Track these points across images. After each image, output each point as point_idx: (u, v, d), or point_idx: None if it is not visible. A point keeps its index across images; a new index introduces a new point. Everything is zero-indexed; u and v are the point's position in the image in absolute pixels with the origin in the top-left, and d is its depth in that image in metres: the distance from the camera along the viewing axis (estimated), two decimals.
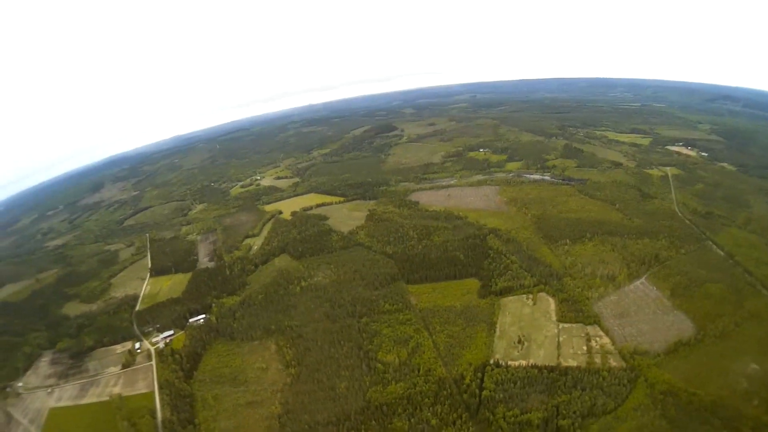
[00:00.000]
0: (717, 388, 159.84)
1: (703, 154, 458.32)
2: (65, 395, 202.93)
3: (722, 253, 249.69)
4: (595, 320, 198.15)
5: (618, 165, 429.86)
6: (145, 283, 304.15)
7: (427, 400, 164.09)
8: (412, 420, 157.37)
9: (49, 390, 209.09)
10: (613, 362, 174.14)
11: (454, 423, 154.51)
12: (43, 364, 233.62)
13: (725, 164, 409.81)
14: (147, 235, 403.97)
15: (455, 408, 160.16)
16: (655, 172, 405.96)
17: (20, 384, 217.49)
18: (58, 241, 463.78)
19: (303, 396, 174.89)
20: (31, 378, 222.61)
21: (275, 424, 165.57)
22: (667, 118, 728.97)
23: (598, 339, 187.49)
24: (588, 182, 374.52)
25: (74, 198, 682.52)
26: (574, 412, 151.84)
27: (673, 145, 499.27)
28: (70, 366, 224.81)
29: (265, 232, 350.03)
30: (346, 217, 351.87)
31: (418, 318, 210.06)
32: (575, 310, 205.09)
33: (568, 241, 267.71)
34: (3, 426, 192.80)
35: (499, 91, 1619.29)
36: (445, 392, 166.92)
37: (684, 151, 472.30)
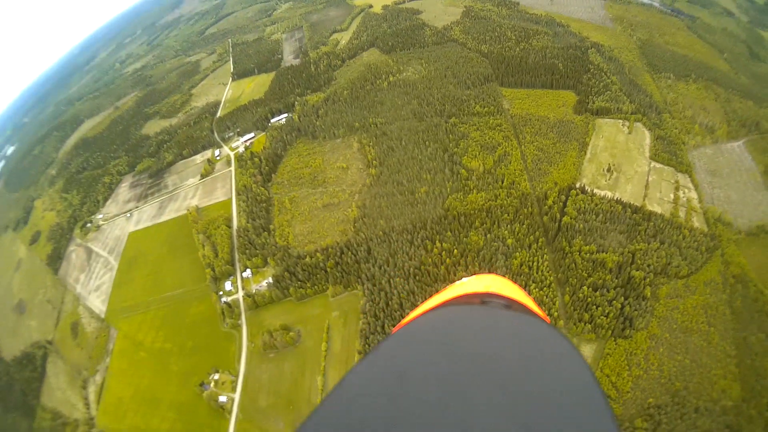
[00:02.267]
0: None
1: None
2: (144, 217, 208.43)
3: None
4: (688, 169, 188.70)
5: (730, 14, 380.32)
6: (227, 87, 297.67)
7: (506, 216, 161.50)
8: (489, 236, 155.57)
9: (128, 215, 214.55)
10: (696, 223, 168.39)
11: (529, 246, 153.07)
12: (123, 190, 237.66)
13: None
14: (229, 40, 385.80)
15: (533, 230, 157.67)
16: (767, 35, 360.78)
17: (100, 216, 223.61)
18: (137, 65, 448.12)
19: (381, 199, 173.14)
20: (111, 207, 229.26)
21: (350, 229, 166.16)
22: None
23: (686, 190, 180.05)
24: (698, 20, 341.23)
25: (153, 20, 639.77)
26: (649, 266, 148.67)
27: None
28: (150, 186, 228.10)
29: (354, 27, 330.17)
30: (441, 12, 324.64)
31: (508, 125, 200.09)
32: (670, 152, 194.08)
33: (672, 75, 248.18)
34: (84, 263, 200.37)
35: None
36: (525, 210, 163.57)
37: None
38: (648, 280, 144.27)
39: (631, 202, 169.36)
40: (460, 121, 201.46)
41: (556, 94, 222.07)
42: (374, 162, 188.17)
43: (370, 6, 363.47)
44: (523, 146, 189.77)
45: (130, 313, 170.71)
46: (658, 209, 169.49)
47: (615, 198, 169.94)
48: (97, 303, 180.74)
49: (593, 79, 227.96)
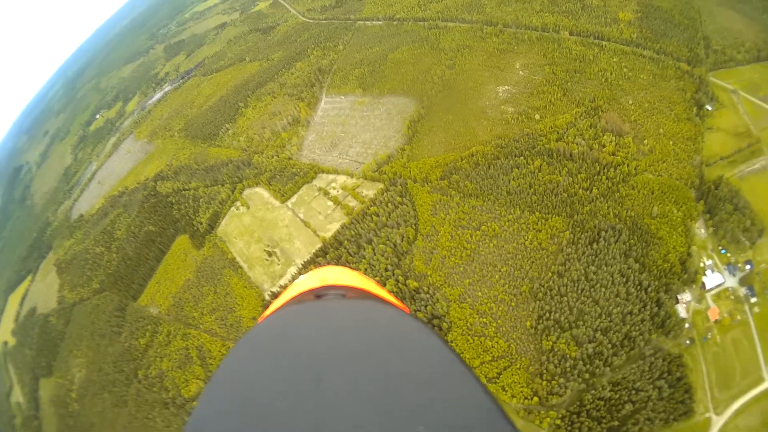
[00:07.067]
0: (490, 125, 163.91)
1: None
2: None
3: (379, 23, 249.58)
4: (315, 170, 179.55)
5: (223, 24, 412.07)
6: None
7: None
8: None
9: None
10: (369, 192, 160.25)
11: None
12: None
13: None
14: None
15: None
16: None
17: None
18: None
19: None
20: None
21: None
22: None
23: (333, 185, 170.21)
24: (205, 61, 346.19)
25: None
26: (386, 269, 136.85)
27: None
28: None
29: None
30: (45, 292, 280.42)
31: (173, 324, 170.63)
32: (289, 178, 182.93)
33: (227, 125, 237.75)
34: None
35: None
36: None
37: None
38: (401, 271, 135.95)
39: (315, 250, 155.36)
40: (150, 361, 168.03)
41: (172, 255, 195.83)
42: None
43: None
44: (201, 325, 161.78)
45: None
46: (335, 226, 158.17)
47: (300, 266, 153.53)
48: None
49: (181, 206, 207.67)
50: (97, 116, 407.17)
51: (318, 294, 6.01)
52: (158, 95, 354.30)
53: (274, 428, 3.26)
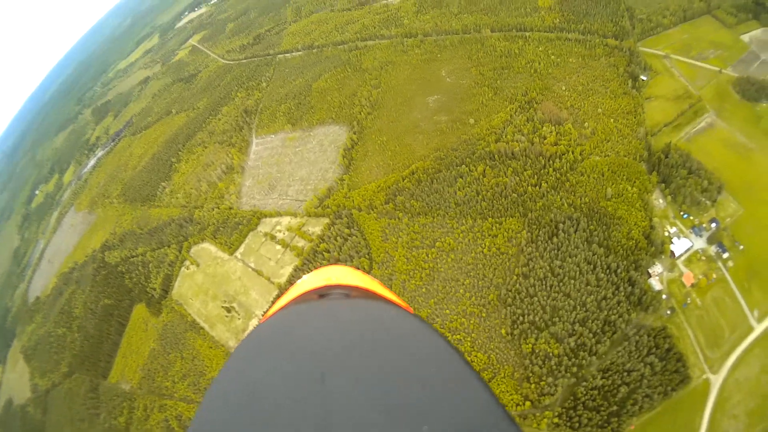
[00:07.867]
0: (426, 139, 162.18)
1: None
2: None
3: (299, 53, 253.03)
4: (258, 216, 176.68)
5: (146, 79, 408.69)
6: None
7: None
8: None
9: None
10: (315, 229, 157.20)
11: None
12: None
13: None
14: None
15: None
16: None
17: None
18: None
19: None
20: None
21: None
22: None
23: (279, 228, 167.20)
24: (132, 119, 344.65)
25: None
26: None
27: None
28: None
29: None
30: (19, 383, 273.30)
31: (148, 398, 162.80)
32: (233, 228, 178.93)
33: (163, 184, 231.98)
34: None
35: None
36: None
37: None
38: None
39: (274, 296, 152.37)
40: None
41: (134, 325, 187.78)
42: None
43: None
44: (174, 395, 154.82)
45: None
46: (288, 269, 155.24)
47: (262, 315, 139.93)
48: None
49: (132, 274, 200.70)
50: (36, 192, 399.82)
51: (322, 293, 5.93)
52: (92, 162, 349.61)
53: (277, 428, 3.26)
